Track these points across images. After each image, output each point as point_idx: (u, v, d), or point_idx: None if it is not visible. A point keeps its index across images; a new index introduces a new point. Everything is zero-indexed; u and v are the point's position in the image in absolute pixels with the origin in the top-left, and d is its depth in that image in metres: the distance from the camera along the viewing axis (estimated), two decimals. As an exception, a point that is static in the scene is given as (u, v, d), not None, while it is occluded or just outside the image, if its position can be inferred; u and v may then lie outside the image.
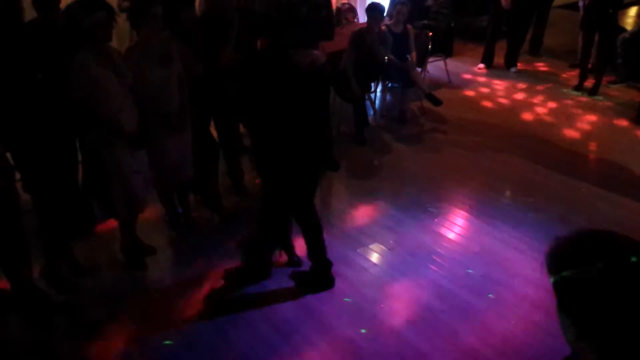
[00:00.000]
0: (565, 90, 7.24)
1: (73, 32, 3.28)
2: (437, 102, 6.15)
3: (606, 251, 1.08)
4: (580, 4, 7.36)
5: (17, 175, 3.34)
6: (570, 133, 6.06)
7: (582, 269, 1.08)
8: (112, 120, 3.38)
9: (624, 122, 6.28)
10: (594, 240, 1.12)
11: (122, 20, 3.78)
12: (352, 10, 7.47)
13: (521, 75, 7.87)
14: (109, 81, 3.32)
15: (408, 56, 6.19)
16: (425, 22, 7.09)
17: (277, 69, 3.16)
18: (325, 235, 4.10)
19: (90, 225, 4.21)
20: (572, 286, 1.10)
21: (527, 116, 6.51)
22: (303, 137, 3.26)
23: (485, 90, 7.34)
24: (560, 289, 1.12)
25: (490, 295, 3.63)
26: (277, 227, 3.67)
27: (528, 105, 6.83)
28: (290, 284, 3.73)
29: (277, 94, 3.14)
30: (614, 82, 7.32)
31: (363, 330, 3.36)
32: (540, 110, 6.68)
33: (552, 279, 1.13)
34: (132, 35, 4.39)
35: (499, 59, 8.07)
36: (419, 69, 6.53)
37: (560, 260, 1.13)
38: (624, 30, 7.14)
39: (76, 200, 3.75)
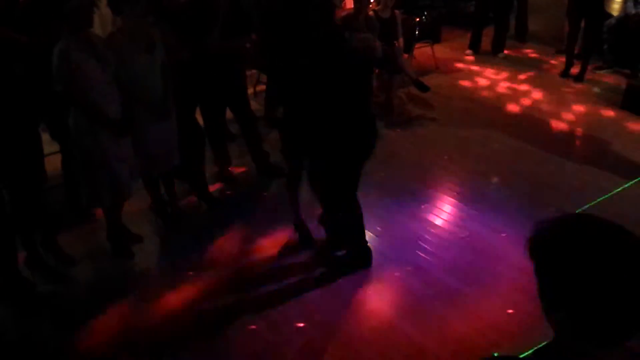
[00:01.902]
0: (551, 76, 7.25)
1: (53, 18, 3.22)
2: (424, 88, 6.14)
3: (585, 234, 1.09)
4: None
5: None
6: (557, 119, 6.08)
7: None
8: (96, 107, 3.33)
9: (610, 108, 6.31)
10: (574, 224, 1.13)
11: (104, 6, 3.71)
12: (339, -5, 7.42)
13: (508, 61, 7.88)
14: (91, 68, 3.28)
15: (395, 42, 6.16)
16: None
17: (335, 53, 3.20)
18: (313, 222, 4.10)
19: (76, 215, 4.18)
20: (548, 261, 1.12)
21: (514, 102, 6.52)
22: (357, 116, 3.39)
23: (472, 76, 7.34)
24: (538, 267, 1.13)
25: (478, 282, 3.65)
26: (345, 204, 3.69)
27: (515, 91, 6.85)
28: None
29: (334, 78, 3.19)
30: (600, 68, 7.35)
31: (351, 317, 3.36)
32: (526, 96, 6.69)
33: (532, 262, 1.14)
34: (114, 21, 4.32)
35: (486, 45, 8.07)
36: (406, 55, 6.51)
37: (540, 243, 1.14)
38: (610, 16, 7.16)
39: (41, 191, 3.69)
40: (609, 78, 7.18)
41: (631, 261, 1.04)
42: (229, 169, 4.88)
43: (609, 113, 6.22)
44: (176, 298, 3.52)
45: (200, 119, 4.52)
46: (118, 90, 3.46)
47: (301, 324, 3.32)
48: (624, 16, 7.01)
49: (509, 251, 3.86)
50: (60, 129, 3.72)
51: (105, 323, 3.34)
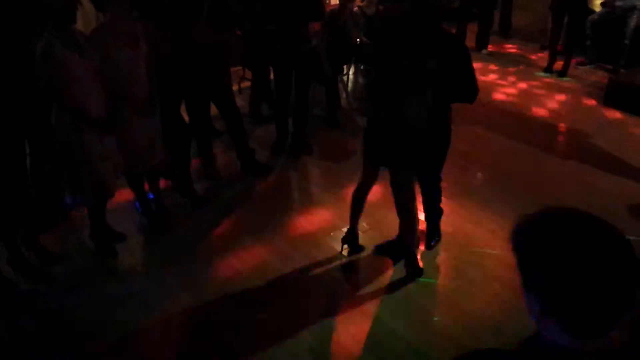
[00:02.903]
0: (535, 72, 7.31)
1: (36, 14, 3.18)
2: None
3: (566, 228, 1.10)
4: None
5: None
6: (541, 114, 6.13)
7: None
8: (79, 104, 3.29)
9: (592, 103, 6.38)
10: (555, 218, 1.13)
11: (87, 2, 3.67)
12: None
13: (492, 56, 7.92)
14: (75, 64, 3.24)
15: (380, 38, 6.17)
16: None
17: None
18: (299, 220, 4.10)
19: (58, 214, 4.13)
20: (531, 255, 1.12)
21: (498, 97, 6.56)
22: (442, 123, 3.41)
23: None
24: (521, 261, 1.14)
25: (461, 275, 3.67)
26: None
27: (499, 87, 6.89)
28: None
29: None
30: (583, 64, 7.42)
31: (337, 312, 3.36)
32: (511, 91, 6.74)
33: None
34: (98, 17, 4.28)
35: (470, 41, 8.10)
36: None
37: (521, 237, 1.14)
38: (592, 12, 7.22)
39: (25, 190, 3.64)
40: (591, 73, 7.24)
41: (611, 254, 1.05)
42: (214, 166, 4.85)
43: (592, 108, 6.28)
44: (161, 296, 3.50)
45: (185, 116, 4.49)
46: (102, 87, 3.42)
47: (284, 317, 3.31)
48: (606, 12, 7.07)
49: (494, 245, 3.88)
50: (34, 127, 3.65)
51: (87, 321, 3.31)
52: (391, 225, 4.10)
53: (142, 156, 3.84)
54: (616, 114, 6.04)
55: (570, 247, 1.07)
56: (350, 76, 6.82)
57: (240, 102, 5.32)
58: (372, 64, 3.22)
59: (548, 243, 1.09)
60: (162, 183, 4.40)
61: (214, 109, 4.81)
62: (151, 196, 4.25)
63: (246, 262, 3.79)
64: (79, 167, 3.46)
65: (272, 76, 5.80)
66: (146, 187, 4.19)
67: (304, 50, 4.87)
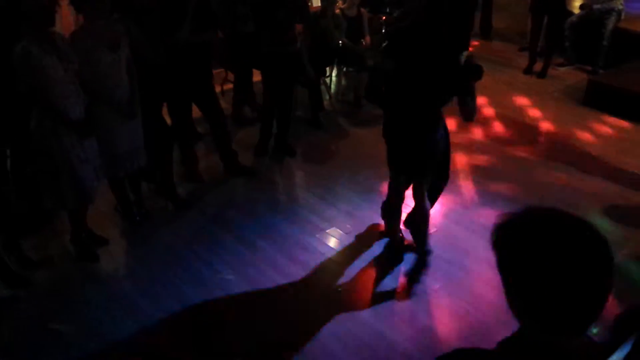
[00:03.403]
0: (515, 73, 7.37)
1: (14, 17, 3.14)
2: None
3: (545, 227, 1.11)
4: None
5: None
6: (520, 115, 6.18)
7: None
8: (59, 108, 3.26)
9: (571, 104, 6.45)
10: (536, 217, 1.14)
11: (66, 4, 3.63)
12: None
13: (473, 57, 7.96)
14: (54, 67, 3.20)
15: (362, 40, 6.18)
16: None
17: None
18: (283, 221, 4.09)
19: (39, 218, 4.07)
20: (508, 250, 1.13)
21: (479, 99, 6.59)
22: None
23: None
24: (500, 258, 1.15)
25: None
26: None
27: (479, 88, 6.91)
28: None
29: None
30: (562, 65, 7.50)
31: (322, 314, 3.36)
32: (490, 92, 6.78)
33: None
34: (77, 19, 4.23)
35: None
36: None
37: (500, 237, 1.15)
38: (571, 14, 7.30)
39: (5, 194, 3.59)
40: (570, 74, 7.33)
41: (588, 253, 1.06)
42: (197, 168, 4.82)
43: (572, 109, 6.35)
44: (143, 301, 3.47)
45: (167, 119, 4.46)
46: (82, 90, 3.39)
47: (269, 320, 3.32)
48: (585, 14, 7.16)
49: (477, 245, 3.91)
50: (14, 131, 3.60)
51: (69, 327, 3.27)
52: (372, 225, 4.12)
53: (123, 160, 3.80)
54: (596, 115, 6.11)
55: (548, 246, 1.08)
56: (333, 78, 6.83)
57: (223, 104, 5.30)
58: (392, 80, 3.30)
59: (526, 242, 1.10)
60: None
61: (195, 112, 4.79)
62: (133, 199, 4.20)
63: (230, 265, 3.78)
64: (59, 171, 3.42)
65: (254, 78, 5.80)
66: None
67: (290, 52, 4.87)
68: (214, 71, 4.83)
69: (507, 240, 1.14)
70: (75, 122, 3.33)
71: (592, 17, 7.08)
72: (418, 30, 3.24)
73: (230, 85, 6.11)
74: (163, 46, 3.97)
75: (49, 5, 3.17)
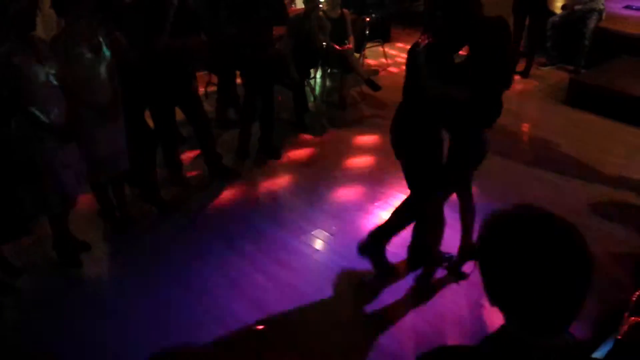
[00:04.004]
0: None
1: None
2: (376, 87, 6.20)
3: (524, 226, 1.11)
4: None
5: None
6: (504, 114, 6.19)
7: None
8: (40, 112, 3.22)
9: (554, 103, 6.51)
10: (514, 217, 1.15)
11: (47, 7, 3.60)
12: (290, -5, 7.40)
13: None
14: (35, 72, 3.17)
15: (346, 41, 6.19)
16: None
17: None
18: (268, 224, 4.07)
19: (20, 224, 4.02)
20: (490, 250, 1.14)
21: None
22: None
23: (422, 74, 7.43)
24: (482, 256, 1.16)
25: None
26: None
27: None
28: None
29: None
30: (544, 65, 7.58)
31: (308, 317, 3.35)
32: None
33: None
34: (59, 23, 4.19)
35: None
36: (357, 55, 6.54)
37: (481, 237, 1.17)
38: (553, 14, 7.38)
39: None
40: (553, 74, 7.40)
41: (567, 253, 1.07)
42: (181, 172, 4.80)
43: (554, 108, 6.41)
44: (127, 306, 3.44)
45: (150, 122, 4.43)
46: (63, 94, 3.35)
47: (261, 326, 3.29)
48: (567, 14, 7.23)
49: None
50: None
51: (52, 333, 3.23)
52: (358, 226, 4.12)
53: (105, 164, 3.76)
54: (578, 114, 6.17)
55: (526, 244, 1.08)
56: (318, 80, 6.83)
57: (207, 107, 5.28)
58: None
59: (502, 243, 1.11)
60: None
61: (179, 115, 4.76)
62: (115, 204, 4.17)
63: (215, 268, 3.75)
64: (41, 176, 3.38)
65: (238, 81, 5.78)
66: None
67: (269, 53, 4.87)
68: (198, 74, 4.81)
69: (484, 241, 1.15)
70: (56, 127, 3.30)
71: (573, 17, 7.16)
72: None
73: (214, 88, 6.09)
74: (144, 49, 3.95)
75: (30, 10, 3.13)
